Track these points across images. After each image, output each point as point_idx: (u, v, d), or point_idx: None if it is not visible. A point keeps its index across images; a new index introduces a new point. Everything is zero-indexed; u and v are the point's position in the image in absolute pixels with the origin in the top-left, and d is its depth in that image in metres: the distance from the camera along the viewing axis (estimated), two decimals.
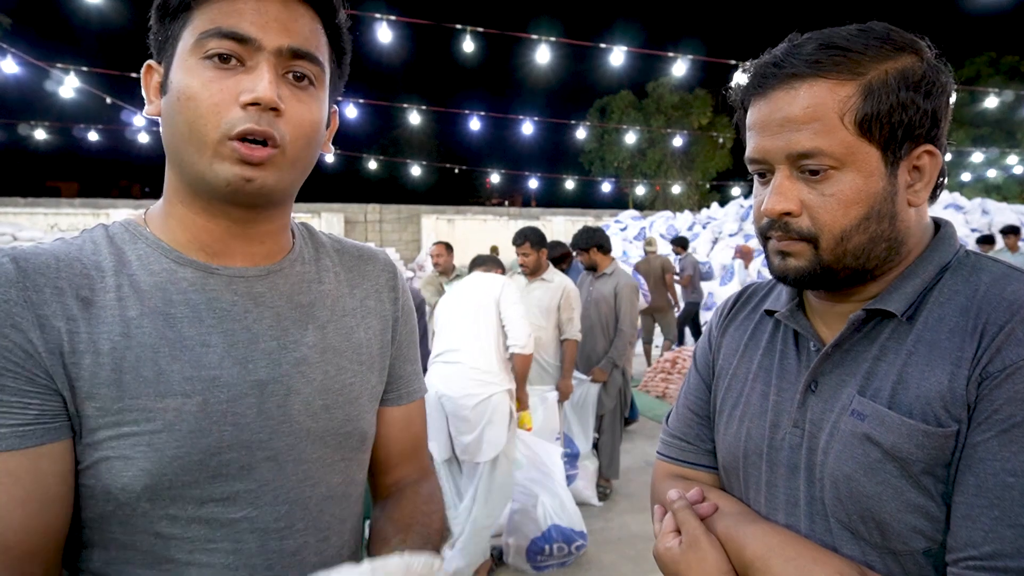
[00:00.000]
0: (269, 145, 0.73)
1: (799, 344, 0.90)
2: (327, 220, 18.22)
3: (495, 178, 18.80)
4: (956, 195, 13.26)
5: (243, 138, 0.72)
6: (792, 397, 0.87)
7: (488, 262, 3.76)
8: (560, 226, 20.48)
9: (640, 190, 23.26)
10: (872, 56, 0.77)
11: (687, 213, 15.53)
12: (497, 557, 3.42)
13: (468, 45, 8.45)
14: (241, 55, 0.73)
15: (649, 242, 8.74)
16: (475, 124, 12.92)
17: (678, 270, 8.41)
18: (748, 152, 0.85)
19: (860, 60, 0.77)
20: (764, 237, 0.86)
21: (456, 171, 18.16)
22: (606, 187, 21.05)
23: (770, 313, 0.96)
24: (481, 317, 3.34)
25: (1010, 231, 7.98)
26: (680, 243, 8.87)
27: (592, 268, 4.50)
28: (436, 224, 19.60)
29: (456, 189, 25.65)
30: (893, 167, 0.79)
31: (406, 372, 0.99)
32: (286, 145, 0.75)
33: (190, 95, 0.72)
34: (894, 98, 0.76)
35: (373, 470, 0.98)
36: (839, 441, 0.79)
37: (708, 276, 10.77)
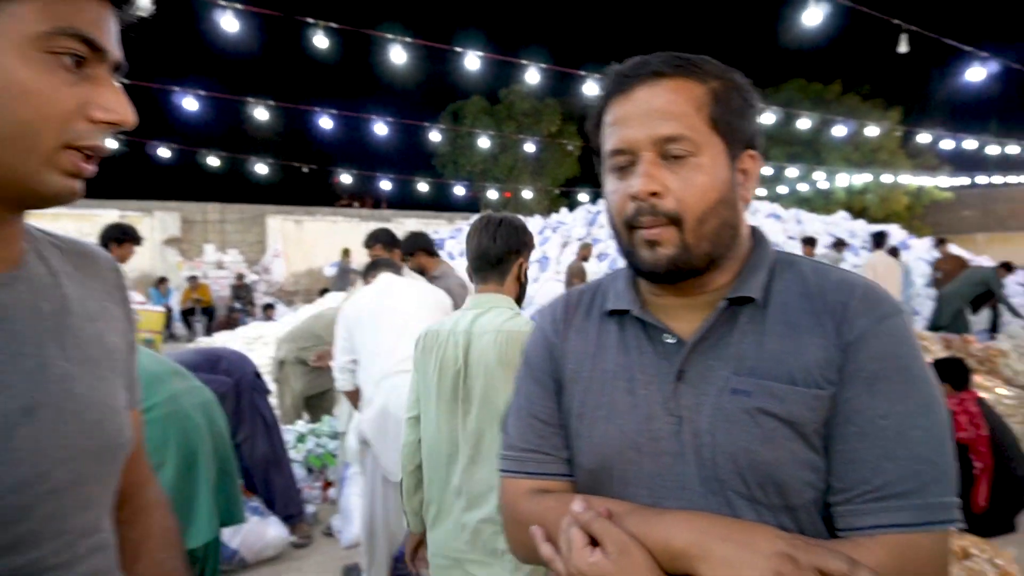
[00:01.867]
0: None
1: (651, 339, 0.95)
2: (161, 220, 16.85)
3: (346, 178, 18.31)
4: (776, 206, 14.69)
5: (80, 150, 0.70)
6: (661, 388, 0.92)
7: (393, 266, 3.62)
8: (413, 228, 20.30)
9: (492, 194, 23.63)
10: (711, 71, 0.91)
11: (538, 217, 15.98)
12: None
13: (320, 40, 8.20)
14: (88, 61, 0.70)
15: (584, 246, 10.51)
16: (325, 122, 12.53)
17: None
18: (612, 145, 0.91)
19: (705, 70, 0.91)
20: (629, 228, 0.90)
21: (305, 170, 17.48)
22: (459, 190, 21.17)
23: (614, 313, 1.00)
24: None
25: (807, 242, 9.22)
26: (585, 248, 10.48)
27: (421, 272, 4.44)
28: (283, 225, 18.74)
29: (305, 189, 24.67)
30: (732, 163, 0.91)
31: (135, 376, 0.95)
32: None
33: (27, 91, 0.66)
34: (732, 104, 0.91)
35: None
36: (726, 420, 0.86)
37: None
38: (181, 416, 2.18)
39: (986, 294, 9.96)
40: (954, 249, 11.98)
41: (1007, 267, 9.44)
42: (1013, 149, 15.98)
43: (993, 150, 16.06)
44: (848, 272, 0.94)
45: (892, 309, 0.87)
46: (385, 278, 3.38)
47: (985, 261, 12.11)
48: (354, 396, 3.27)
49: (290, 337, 5.31)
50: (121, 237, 4.07)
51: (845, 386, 0.84)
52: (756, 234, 1.00)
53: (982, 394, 5.49)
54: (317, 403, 5.36)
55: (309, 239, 18.86)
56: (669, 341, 0.93)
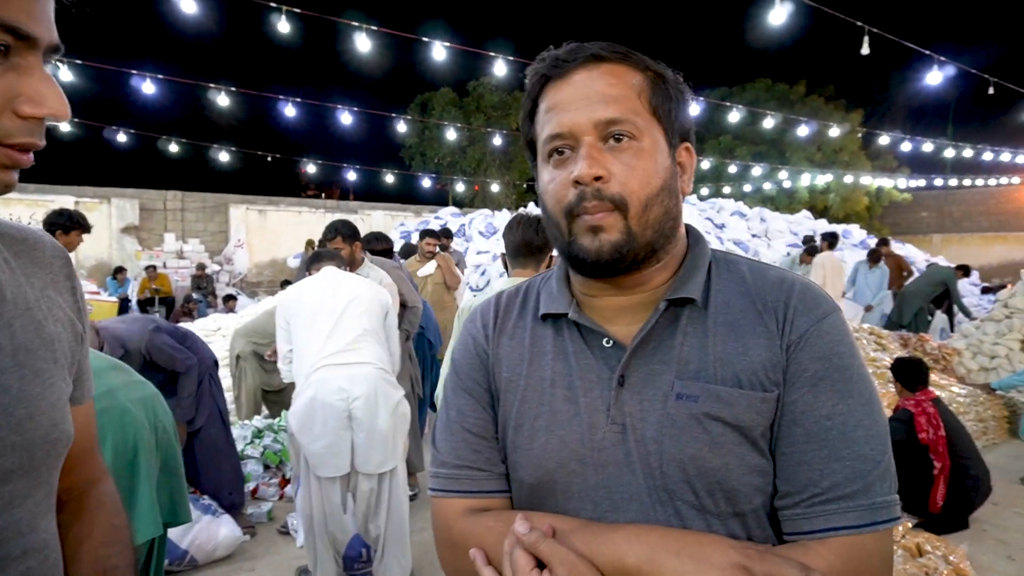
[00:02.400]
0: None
1: (589, 343, 0.91)
2: (118, 207, 16.36)
3: (311, 168, 18.03)
4: (740, 204, 14.84)
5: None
6: (603, 395, 0.87)
7: (336, 259, 3.55)
8: (380, 220, 20.10)
9: (460, 187, 23.50)
10: (646, 60, 0.89)
11: (505, 211, 15.92)
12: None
13: (284, 26, 8.01)
14: (15, 50, 0.64)
15: None
16: (290, 111, 12.28)
17: None
18: (550, 130, 0.87)
19: (641, 59, 0.89)
20: (570, 216, 0.86)
21: (269, 159, 17.16)
22: (427, 183, 21.01)
23: (548, 317, 0.95)
24: (367, 317, 3.10)
25: (828, 238, 9.23)
26: None
27: (350, 264, 4.37)
28: (246, 215, 18.36)
29: (269, 178, 24.28)
30: (672, 152, 0.89)
31: (86, 368, 0.91)
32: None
33: None
34: (669, 92, 0.89)
35: None
36: (673, 426, 0.83)
37: None
38: (119, 411, 2.10)
39: (944, 294, 10.23)
40: (896, 248, 12.31)
41: (964, 270, 9.68)
42: (968, 153, 16.39)
43: (949, 153, 16.45)
44: (783, 270, 0.93)
45: (830, 307, 0.87)
46: (328, 271, 3.32)
47: (941, 261, 12.43)
48: None
49: (246, 331, 5.19)
50: (68, 225, 3.91)
51: (789, 387, 0.83)
52: (692, 232, 0.97)
53: (938, 392, 5.62)
54: (276, 399, 5.24)
55: (273, 229, 18.52)
56: (607, 345, 0.89)
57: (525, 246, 2.53)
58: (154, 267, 14.67)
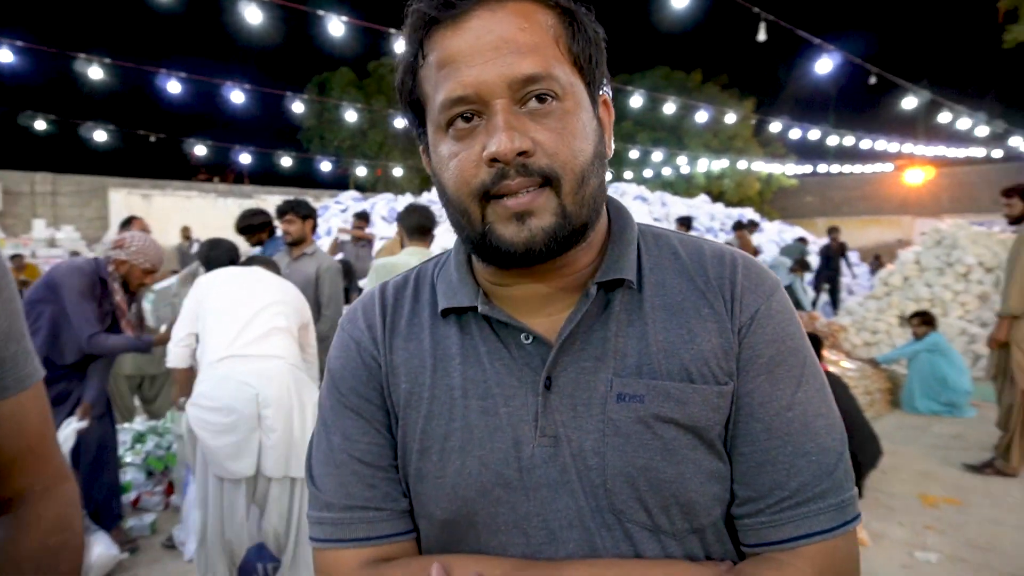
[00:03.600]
0: None
1: (504, 341, 0.75)
2: None
3: (201, 150, 16.94)
4: (642, 188, 15.15)
5: None
6: (527, 403, 0.71)
7: (270, 265, 3.38)
8: (277, 205, 19.26)
9: (362, 171, 22.83)
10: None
11: (408, 196, 15.59)
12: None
13: None
14: None
15: None
16: (175, 87, 11.43)
17: None
18: (447, 92, 0.67)
19: None
20: (482, 201, 0.68)
21: (153, 139, 15.98)
22: (326, 166, 20.27)
23: (449, 312, 0.78)
24: (283, 318, 2.89)
25: (683, 223, 9.54)
26: None
27: (297, 243, 4.15)
28: (128, 199, 17.13)
29: (154, 160, 22.70)
30: (595, 108, 0.72)
31: (11, 354, 0.76)
32: None
33: None
34: (588, 33, 0.71)
35: None
36: (616, 435, 0.69)
37: None
38: None
39: (828, 275, 10.87)
40: (785, 231, 12.96)
41: (802, 265, 10.26)
42: (848, 141, 17.38)
43: (832, 141, 17.39)
44: (717, 243, 0.81)
45: (775, 282, 0.77)
46: (258, 269, 3.13)
47: (823, 243, 13.17)
48: (184, 376, 2.98)
49: None
50: None
51: (743, 376, 0.73)
52: (611, 202, 0.82)
53: (831, 368, 5.87)
54: (149, 393, 4.83)
55: (159, 215, 17.32)
56: (527, 342, 0.74)
57: (418, 228, 3.41)
58: (21, 256, 13.38)
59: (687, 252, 0.78)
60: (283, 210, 4.13)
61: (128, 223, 5.14)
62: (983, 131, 15.27)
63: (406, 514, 0.78)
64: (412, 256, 3.40)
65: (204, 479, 2.73)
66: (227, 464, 2.64)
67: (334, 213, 14.20)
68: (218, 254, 3.47)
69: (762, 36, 7.68)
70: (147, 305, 4.07)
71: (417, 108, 0.74)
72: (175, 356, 2.97)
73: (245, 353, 2.71)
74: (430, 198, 15.15)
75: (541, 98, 0.67)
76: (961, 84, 28.04)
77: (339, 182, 24.53)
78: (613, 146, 0.78)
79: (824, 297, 11.25)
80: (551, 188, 0.67)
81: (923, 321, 6.35)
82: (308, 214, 4.10)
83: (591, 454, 0.70)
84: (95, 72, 10.29)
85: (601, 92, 0.75)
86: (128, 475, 4.05)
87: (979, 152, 19.40)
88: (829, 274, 11.34)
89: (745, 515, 0.72)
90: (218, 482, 2.69)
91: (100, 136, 14.36)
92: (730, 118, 18.50)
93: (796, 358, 0.73)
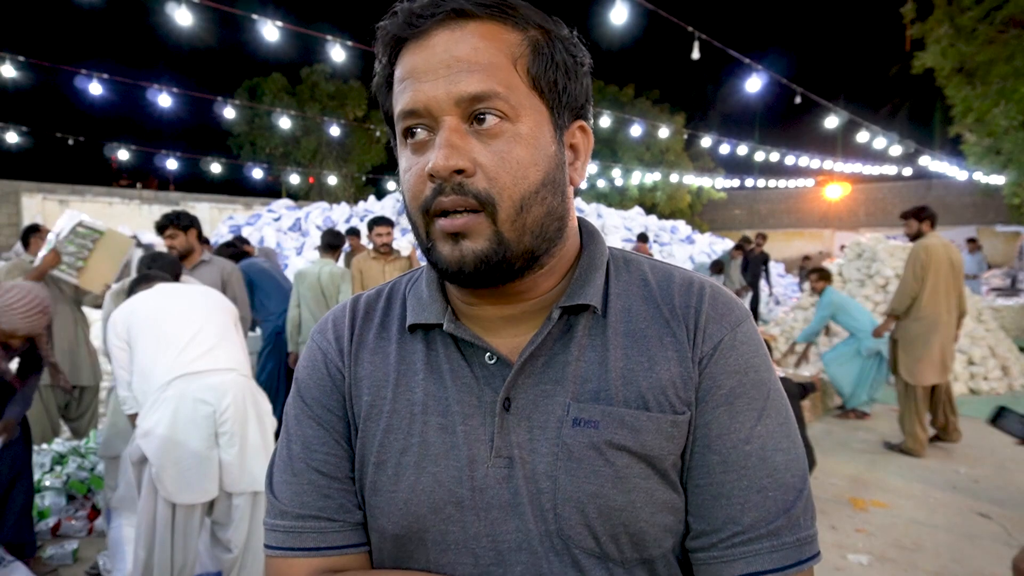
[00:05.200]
0: None
1: (468, 359, 0.75)
2: None
3: (123, 155, 16.22)
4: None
5: None
6: (484, 423, 0.72)
7: (169, 273, 3.24)
8: (205, 213, 18.61)
9: (295, 179, 22.34)
10: (529, 16, 0.71)
11: (344, 205, 15.34)
12: None
13: None
14: None
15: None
16: (96, 88, 10.91)
17: None
18: (403, 105, 0.69)
19: (520, 13, 0.70)
20: (426, 216, 0.69)
21: (71, 142, 15.21)
22: (257, 173, 19.74)
23: (416, 328, 0.79)
24: (220, 325, 2.76)
25: (642, 239, 9.79)
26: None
27: (186, 255, 4.01)
28: (43, 205, 16.26)
29: (72, 164, 21.63)
30: (559, 135, 0.71)
31: None
32: None
33: None
34: (558, 58, 0.71)
35: None
36: (569, 459, 0.69)
37: None
38: None
39: (749, 280, 11.18)
40: (714, 241, 13.40)
41: (718, 266, 10.60)
42: (773, 156, 18.12)
43: (759, 156, 18.09)
44: (688, 271, 0.80)
45: (742, 313, 0.76)
46: (163, 285, 2.98)
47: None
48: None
49: None
50: None
51: (702, 407, 0.72)
52: (585, 227, 0.82)
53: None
54: (74, 412, 4.55)
55: None
56: (490, 361, 0.74)
57: (327, 246, 4.43)
58: None
59: (656, 279, 0.78)
60: (163, 225, 3.99)
61: (32, 232, 4.84)
62: (896, 150, 16.17)
63: (359, 527, 0.78)
64: (323, 265, 5.13)
65: (150, 504, 2.58)
66: (189, 490, 2.51)
67: (267, 222, 13.80)
68: (162, 265, 3.28)
69: (696, 54, 7.93)
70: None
71: (390, 120, 0.75)
72: (130, 401, 2.76)
73: (195, 369, 2.58)
74: (366, 207, 14.96)
75: (483, 118, 0.66)
76: (875, 105, 29.68)
77: (271, 190, 23.98)
78: (586, 174, 0.78)
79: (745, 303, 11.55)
80: (486, 213, 0.67)
81: (820, 276, 6.66)
82: (189, 225, 4.02)
83: (543, 477, 0.70)
84: (7, 70, 9.73)
85: (577, 120, 0.75)
86: (47, 500, 3.80)
87: (891, 170, 20.54)
88: (750, 279, 11.38)
89: (698, 548, 0.72)
90: (168, 508, 2.55)
91: (12, 138, 13.57)
92: (663, 132, 18.99)
93: (758, 391, 0.73)
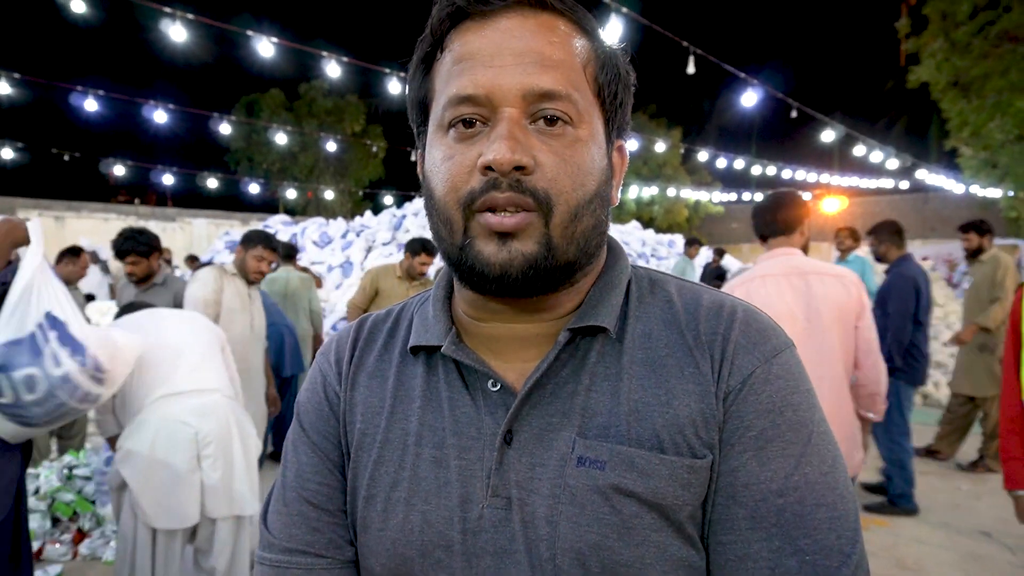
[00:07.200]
0: None
1: (469, 386, 0.68)
2: None
3: (120, 170, 16.21)
4: None
5: None
6: (482, 457, 0.64)
7: (148, 304, 3.18)
8: (202, 229, 18.58)
9: (292, 194, 22.36)
10: (595, 27, 0.67)
11: (340, 220, 15.32)
12: None
13: (78, 5, 7.04)
14: None
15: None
16: (93, 104, 10.91)
17: None
18: (458, 89, 0.62)
19: (589, 21, 0.66)
20: (468, 210, 0.61)
21: (67, 158, 15.21)
22: (255, 189, 19.74)
23: (419, 350, 0.72)
24: (205, 346, 2.70)
25: (692, 243, 9.70)
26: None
27: (145, 279, 3.91)
28: (39, 222, 16.21)
29: (69, 181, 21.62)
30: (609, 148, 0.67)
31: None
32: None
33: None
34: (618, 71, 0.67)
35: None
36: (571, 503, 0.61)
37: None
38: None
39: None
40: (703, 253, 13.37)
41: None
42: (771, 170, 18.16)
43: (756, 170, 18.12)
44: (721, 292, 0.71)
45: (781, 342, 0.66)
46: (148, 310, 2.93)
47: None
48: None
49: None
50: None
51: (728, 451, 0.62)
52: (612, 247, 0.75)
53: None
54: (67, 431, 4.49)
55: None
56: (494, 389, 0.66)
57: (286, 255, 4.32)
58: None
59: (683, 301, 0.69)
60: (123, 252, 3.76)
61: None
62: (892, 164, 16.20)
63: (350, 565, 0.71)
64: (288, 272, 5.48)
65: (130, 530, 2.50)
66: (168, 516, 2.44)
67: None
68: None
69: (691, 69, 7.93)
70: None
71: (423, 106, 0.69)
72: (112, 423, 2.71)
73: (178, 390, 2.52)
74: (363, 222, 14.94)
75: (552, 119, 0.61)
76: (872, 119, 29.82)
77: (268, 205, 23.99)
78: (619, 196, 0.72)
79: None
80: (541, 213, 0.61)
81: (850, 234, 5.96)
82: (151, 250, 3.81)
83: (542, 522, 0.62)
84: (3, 87, 9.74)
85: (618, 139, 0.71)
86: (31, 523, 3.72)
87: (888, 183, 20.59)
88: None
89: None
90: (148, 533, 2.48)
91: (8, 154, 13.57)
92: (660, 147, 19.03)
93: (797, 434, 0.62)
